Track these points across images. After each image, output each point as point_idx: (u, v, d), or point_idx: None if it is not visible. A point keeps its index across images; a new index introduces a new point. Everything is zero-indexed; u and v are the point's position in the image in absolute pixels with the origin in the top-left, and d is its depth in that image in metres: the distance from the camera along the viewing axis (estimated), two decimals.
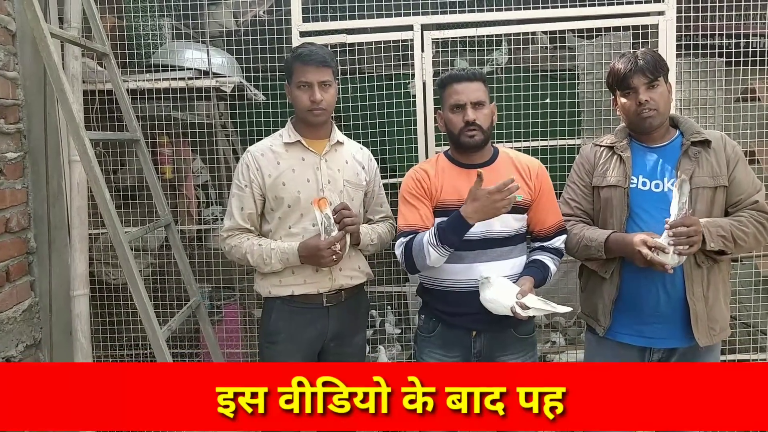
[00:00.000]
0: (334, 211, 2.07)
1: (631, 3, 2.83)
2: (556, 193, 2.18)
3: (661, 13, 2.79)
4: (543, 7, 2.85)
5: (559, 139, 2.95)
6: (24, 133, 2.59)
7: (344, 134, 2.37)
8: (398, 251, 2.09)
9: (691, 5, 2.81)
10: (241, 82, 2.96)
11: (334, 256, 2.06)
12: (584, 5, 2.83)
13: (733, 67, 2.92)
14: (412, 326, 3.22)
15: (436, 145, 2.86)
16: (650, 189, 2.03)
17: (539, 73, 2.98)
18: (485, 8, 2.86)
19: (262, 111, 3.00)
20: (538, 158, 2.20)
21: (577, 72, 3.06)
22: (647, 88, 1.99)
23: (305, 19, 2.86)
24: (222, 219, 2.70)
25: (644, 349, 2.07)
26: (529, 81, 2.91)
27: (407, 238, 2.05)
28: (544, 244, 2.12)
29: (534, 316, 1.96)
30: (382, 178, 2.45)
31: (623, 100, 2.05)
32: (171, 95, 2.94)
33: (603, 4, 2.82)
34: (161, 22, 3.04)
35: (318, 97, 2.10)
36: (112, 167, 3.10)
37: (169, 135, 3.07)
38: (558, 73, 3.04)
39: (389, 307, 3.32)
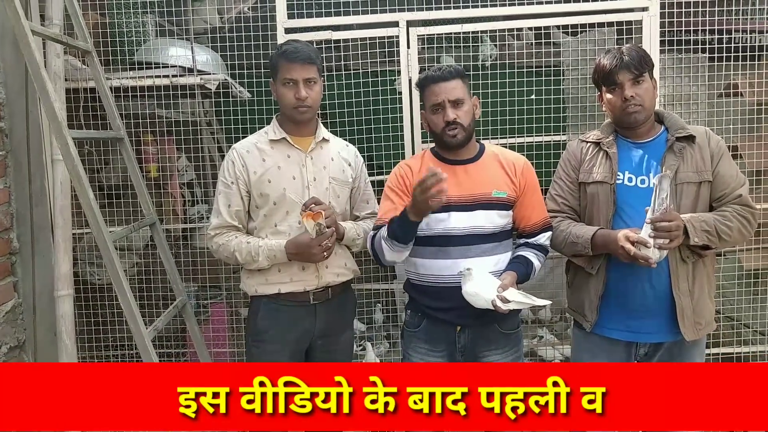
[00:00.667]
0: (305, 205, 2.06)
1: None
2: (541, 190, 2.18)
3: (644, 9, 2.80)
4: (528, 4, 2.85)
5: (545, 135, 2.95)
6: (6, 132, 2.56)
7: (330, 131, 2.36)
8: (368, 244, 2.12)
9: (674, 1, 2.83)
10: (225, 80, 2.94)
11: (324, 253, 2.06)
12: (569, 1, 2.84)
13: (716, 63, 2.94)
14: (399, 323, 3.22)
15: (423, 142, 2.86)
16: (636, 185, 2.04)
17: (524, 69, 2.98)
18: (470, 4, 2.86)
19: (247, 108, 2.98)
20: (523, 155, 2.20)
21: (562, 68, 3.07)
22: (633, 83, 2.00)
23: (290, 16, 2.84)
24: (208, 217, 2.68)
25: (631, 343, 2.08)
26: (514, 77, 2.91)
27: (375, 231, 2.09)
28: (529, 240, 2.12)
29: (519, 311, 1.97)
30: (369, 174, 2.44)
31: (609, 95, 2.06)
32: (155, 93, 2.91)
33: (587, 0, 2.82)
34: (144, 18, 3.01)
35: (303, 95, 2.09)
36: (96, 166, 3.06)
37: (154, 133, 3.04)
38: (543, 69, 3.05)
39: (378, 305, 3.32)
